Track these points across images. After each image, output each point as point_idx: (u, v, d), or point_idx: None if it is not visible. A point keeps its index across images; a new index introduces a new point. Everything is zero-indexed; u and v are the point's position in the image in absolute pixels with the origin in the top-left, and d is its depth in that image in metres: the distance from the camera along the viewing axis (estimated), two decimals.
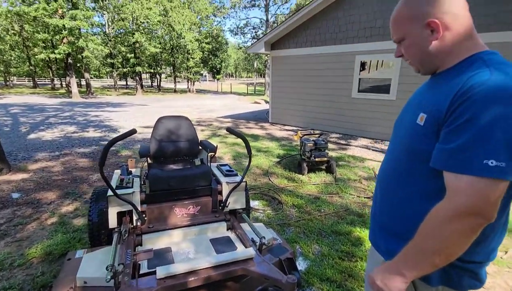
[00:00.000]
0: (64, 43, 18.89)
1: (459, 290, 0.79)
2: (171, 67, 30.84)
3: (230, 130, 2.04)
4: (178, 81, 35.26)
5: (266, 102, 18.55)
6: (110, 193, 1.76)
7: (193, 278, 1.40)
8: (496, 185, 0.61)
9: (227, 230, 2.04)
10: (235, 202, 2.15)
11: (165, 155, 2.35)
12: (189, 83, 30.20)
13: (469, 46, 0.73)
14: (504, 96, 0.60)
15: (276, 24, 31.64)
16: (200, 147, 2.51)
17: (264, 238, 1.78)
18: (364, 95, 6.80)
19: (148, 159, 2.29)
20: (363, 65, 6.75)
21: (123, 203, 1.78)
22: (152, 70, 30.44)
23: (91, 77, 28.42)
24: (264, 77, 35.01)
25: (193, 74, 29.16)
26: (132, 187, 1.88)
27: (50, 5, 17.62)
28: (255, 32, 31.55)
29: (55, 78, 33.62)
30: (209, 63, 32.33)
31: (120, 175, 2.08)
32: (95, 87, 32.15)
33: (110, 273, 1.42)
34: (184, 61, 28.63)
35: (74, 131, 7.38)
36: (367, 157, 5.42)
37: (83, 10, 18.60)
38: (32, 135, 6.74)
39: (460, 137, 0.63)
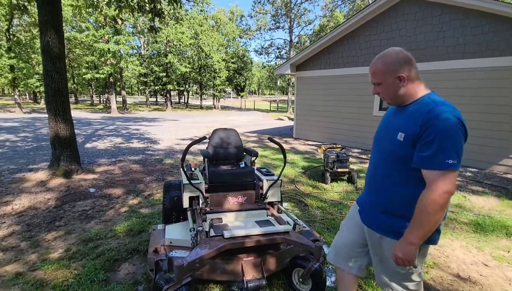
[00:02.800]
0: (107, 65, 21.09)
1: (431, 243, 1.27)
2: (198, 85, 32.74)
3: (271, 139, 2.66)
4: (204, 98, 37.20)
5: (290, 119, 19.20)
6: (185, 181, 2.42)
7: (248, 240, 1.98)
8: (454, 174, 1.11)
9: (267, 216, 2.61)
10: (273, 196, 2.73)
11: (218, 157, 3.01)
12: (215, 100, 31.81)
13: (421, 90, 1.27)
14: (450, 124, 1.11)
15: (300, 44, 32.83)
16: (244, 153, 3.15)
17: (297, 220, 2.33)
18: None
19: (205, 160, 2.95)
20: None
21: (193, 189, 2.42)
22: (181, 88, 32.50)
23: (127, 94, 30.94)
24: (287, 94, 35.92)
25: (218, 92, 30.76)
26: (198, 179, 2.54)
27: (98, 32, 19.97)
28: (279, 52, 32.90)
29: (94, 95, 36.89)
30: (234, 81, 33.94)
31: (187, 170, 2.75)
32: (129, 103, 34.74)
33: (193, 232, 2.05)
34: (210, 80, 30.38)
35: (121, 142, 8.42)
36: None
37: (125, 35, 20.82)
38: (88, 145, 7.83)
39: (430, 149, 1.10)
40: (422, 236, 1.14)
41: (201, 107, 32.73)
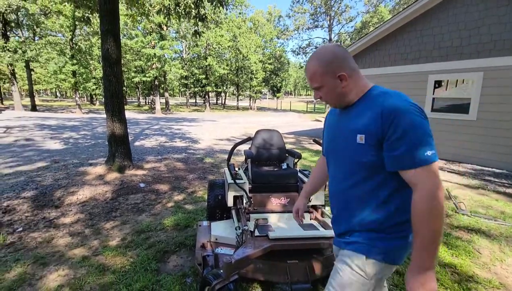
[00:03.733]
0: (152, 68, 22.65)
1: (396, 263, 1.08)
2: (235, 86, 33.53)
3: (315, 141, 2.60)
4: (241, 99, 37.94)
5: None
6: (230, 181, 2.49)
7: (293, 242, 1.95)
8: (437, 165, 0.94)
9: (310, 219, 2.56)
10: (316, 199, 2.66)
11: (261, 158, 3.04)
12: (251, 101, 32.25)
13: (364, 83, 1.11)
14: (412, 113, 0.94)
15: (340, 43, 31.69)
16: (286, 154, 3.13)
17: None
18: (439, 115, 6.61)
19: (248, 160, 2.99)
20: (437, 84, 6.63)
21: (238, 189, 2.47)
22: (218, 89, 33.58)
23: (169, 96, 32.91)
24: None
25: (255, 93, 31.14)
26: (242, 179, 2.58)
27: (146, 38, 21.54)
28: None
29: (141, 97, 39.85)
30: (270, 82, 34.07)
31: (232, 170, 2.82)
32: (171, 104, 36.83)
33: (239, 231, 2.09)
34: (247, 81, 30.89)
35: (165, 141, 8.96)
36: (442, 178, 5.26)
37: (169, 40, 22.14)
38: (137, 143, 8.47)
39: (403, 145, 0.94)
40: (435, 252, 0.93)
41: (237, 108, 33.42)
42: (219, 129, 12.51)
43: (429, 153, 0.93)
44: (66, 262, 2.36)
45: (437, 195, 0.91)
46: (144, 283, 2.09)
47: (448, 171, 5.75)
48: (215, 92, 39.88)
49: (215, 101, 46.83)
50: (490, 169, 5.83)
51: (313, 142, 2.77)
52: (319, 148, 8.30)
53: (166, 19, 5.52)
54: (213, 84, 30.36)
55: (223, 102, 38.62)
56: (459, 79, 6.28)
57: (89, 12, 5.58)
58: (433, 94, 6.68)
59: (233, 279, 1.73)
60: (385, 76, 7.62)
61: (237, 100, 35.08)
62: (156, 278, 2.16)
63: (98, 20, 4.61)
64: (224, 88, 34.22)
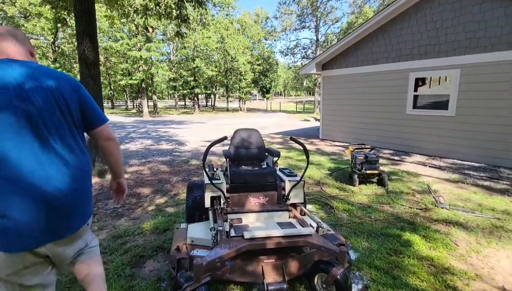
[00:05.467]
0: (139, 71, 22.31)
1: None
2: (225, 88, 33.39)
3: (293, 139, 2.59)
4: (230, 101, 37.84)
5: (316, 119, 18.80)
6: (207, 181, 2.44)
7: (268, 242, 1.93)
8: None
9: (289, 218, 2.54)
10: (295, 197, 2.65)
11: (240, 158, 3.00)
12: (240, 102, 32.19)
13: None
14: None
15: (326, 44, 32.12)
16: (266, 153, 3.11)
17: (321, 223, 2.23)
18: (420, 112, 6.76)
19: (228, 160, 2.95)
20: (418, 82, 6.77)
21: (215, 189, 2.43)
22: (208, 91, 33.35)
23: (157, 98, 32.48)
24: (313, 95, 35.28)
25: (244, 94, 31.09)
26: (220, 179, 2.54)
27: (131, 40, 21.21)
28: (304, 52, 32.48)
29: (128, 100, 39.19)
30: (260, 83, 34.10)
31: (209, 170, 2.78)
32: (159, 107, 36.37)
33: (214, 231, 2.05)
34: (236, 82, 30.82)
35: (151, 144, 8.81)
36: (423, 173, 5.38)
37: (155, 43, 21.88)
38: (121, 147, 8.29)
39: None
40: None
41: (227, 109, 33.30)
42: (207, 131, 12.41)
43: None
44: None
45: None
46: (116, 289, 2.02)
47: (429, 166, 5.87)
48: (204, 94, 39.61)
49: (204, 103, 46.57)
50: (469, 163, 5.98)
51: (290, 140, 2.77)
52: (308, 147, 8.33)
53: (144, 19, 5.42)
54: (202, 86, 30.13)
55: (212, 104, 38.43)
56: (438, 76, 6.43)
57: (65, 13, 5.44)
58: (415, 91, 6.81)
59: (204, 281, 1.69)
60: (368, 75, 7.74)
61: (227, 102, 34.94)
62: (129, 284, 2.10)
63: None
64: (213, 90, 34.04)
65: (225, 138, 2.40)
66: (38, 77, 1.18)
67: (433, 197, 4.01)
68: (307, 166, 2.57)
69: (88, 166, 1.35)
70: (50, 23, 16.76)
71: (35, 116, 1.14)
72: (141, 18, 5.53)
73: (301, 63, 34.13)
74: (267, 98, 38.02)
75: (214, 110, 34.05)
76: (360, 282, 2.16)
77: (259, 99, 53.97)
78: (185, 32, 6.88)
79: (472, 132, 5.93)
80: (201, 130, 12.80)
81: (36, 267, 1.23)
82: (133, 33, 22.00)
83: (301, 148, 7.99)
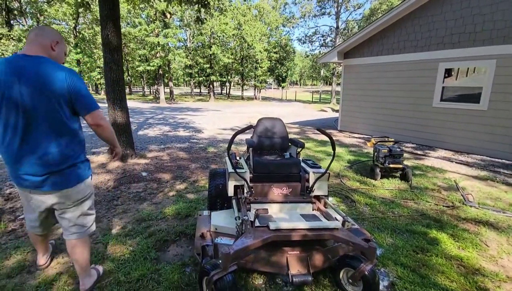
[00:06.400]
0: (156, 57, 22.45)
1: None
2: (240, 76, 33.14)
3: (320, 130, 2.51)
4: (245, 89, 37.58)
5: (333, 110, 18.39)
6: (231, 170, 2.42)
7: (294, 234, 1.89)
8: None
9: (312, 210, 2.49)
10: (319, 189, 2.59)
11: (263, 147, 2.96)
12: (256, 91, 31.91)
13: None
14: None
15: (347, 31, 30.96)
16: (289, 143, 3.05)
17: (347, 217, 2.18)
18: (448, 105, 6.41)
19: (250, 149, 2.92)
20: (447, 73, 6.39)
21: (239, 178, 2.41)
22: (223, 79, 33.23)
23: (173, 85, 32.75)
24: (330, 85, 34.40)
25: (259, 82, 30.74)
26: (243, 169, 2.52)
27: (149, 26, 21.26)
28: (323, 39, 31.45)
29: (145, 86, 39.77)
30: (276, 71, 33.54)
31: (233, 159, 2.75)
32: (175, 94, 36.69)
33: (239, 221, 2.04)
34: (252, 70, 30.47)
35: (169, 131, 8.92)
36: (449, 169, 5.15)
37: (173, 29, 21.83)
38: (140, 132, 8.46)
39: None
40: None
41: (242, 98, 33.17)
42: (223, 119, 12.42)
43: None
44: (65, 250, 2.35)
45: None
46: (143, 271, 2.07)
47: (456, 162, 5.61)
48: (219, 82, 39.48)
49: (219, 91, 46.53)
50: (499, 160, 5.66)
51: (317, 131, 2.69)
52: (324, 137, 8.18)
53: (167, 3, 5.34)
54: (217, 74, 30.03)
55: (227, 92, 38.31)
56: (470, 67, 6.04)
57: None
58: (443, 83, 6.45)
59: (231, 270, 1.69)
60: (394, 64, 7.39)
61: (242, 90, 34.74)
62: (155, 266, 2.14)
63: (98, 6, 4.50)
64: (229, 77, 33.84)
65: (251, 127, 2.36)
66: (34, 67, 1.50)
67: (461, 195, 3.84)
68: (333, 158, 2.49)
69: None
70: (72, 8, 17.01)
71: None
72: (164, 1, 5.44)
73: (319, 51, 33.18)
74: (283, 87, 37.44)
75: (229, 98, 33.99)
76: (386, 278, 2.11)
77: (274, 88, 53.28)
78: (204, 18, 6.76)
79: (505, 128, 5.58)
80: (217, 118, 12.83)
81: None
82: (151, 19, 22.01)
83: (320, 138, 7.88)
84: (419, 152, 6.43)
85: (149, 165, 4.92)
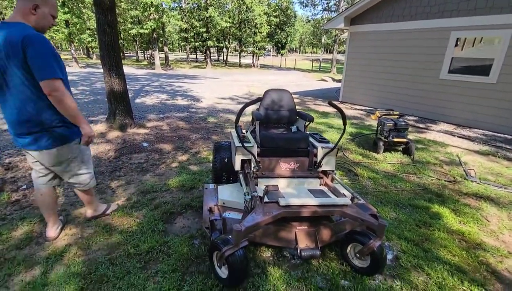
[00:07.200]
0: (150, 20, 21.11)
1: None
2: (238, 42, 31.66)
3: (331, 104, 2.39)
4: (243, 56, 36.13)
5: (334, 80, 17.93)
6: (238, 144, 2.35)
7: (304, 210, 1.88)
8: None
9: (320, 185, 2.48)
10: (327, 164, 2.55)
11: (270, 120, 2.86)
12: (254, 58, 30.72)
13: None
14: None
15: None
16: (297, 117, 2.95)
17: (356, 193, 2.16)
18: (455, 77, 6.22)
19: (257, 122, 2.82)
20: (457, 43, 6.10)
21: (246, 152, 2.35)
22: (220, 45, 31.74)
23: (168, 50, 31.31)
24: (331, 53, 33.18)
25: (258, 49, 29.48)
26: (250, 143, 2.44)
27: None
28: (326, 3, 29.65)
29: (139, 51, 37.98)
30: (275, 37, 32.04)
31: (239, 133, 2.66)
32: (171, 60, 35.25)
33: (248, 196, 2.02)
34: (250, 35, 29.05)
35: (166, 99, 8.67)
36: (450, 143, 5.15)
37: None
38: (137, 100, 8.21)
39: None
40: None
41: (240, 65, 32.06)
42: (221, 88, 12.07)
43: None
44: (72, 221, 2.35)
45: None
46: (152, 244, 2.09)
47: (458, 136, 5.60)
48: (216, 48, 37.79)
49: (216, 57, 44.74)
50: (502, 135, 5.66)
51: (318, 102, 2.57)
52: (325, 109, 8.06)
53: None
54: (214, 39, 28.59)
55: (224, 58, 36.86)
56: (484, 37, 5.74)
57: None
58: (453, 53, 6.19)
59: (242, 245, 1.69)
60: (403, 32, 7.02)
61: (240, 57, 33.44)
62: (163, 239, 2.16)
63: None
64: (226, 43, 32.32)
65: (259, 99, 2.24)
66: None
67: (463, 169, 3.87)
68: (343, 133, 2.41)
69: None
70: None
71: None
72: None
73: (322, 16, 31.46)
74: (282, 55, 36.06)
75: (227, 65, 32.82)
76: (390, 252, 2.16)
77: (272, 55, 51.34)
78: None
79: None
80: (216, 86, 12.46)
81: None
82: None
83: (321, 110, 7.73)
84: (421, 125, 6.38)
85: (149, 135, 4.82)
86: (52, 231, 2.10)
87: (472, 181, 3.54)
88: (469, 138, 5.47)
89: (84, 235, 2.18)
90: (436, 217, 2.70)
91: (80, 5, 20.52)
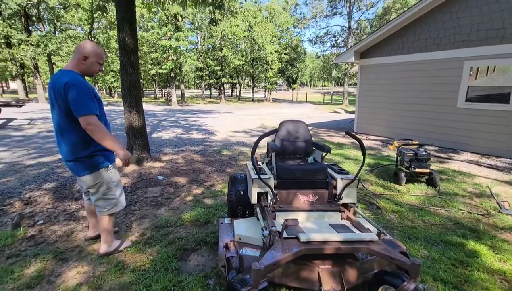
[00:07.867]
0: (168, 60, 22.68)
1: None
2: (250, 78, 33.08)
3: (349, 133, 2.35)
4: (256, 91, 37.47)
5: (346, 111, 18.04)
6: (254, 176, 2.30)
7: (327, 247, 1.74)
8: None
9: (341, 219, 2.33)
10: (347, 196, 2.43)
11: (286, 152, 2.82)
12: (266, 92, 31.77)
13: None
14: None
15: (359, 31, 30.45)
16: (313, 147, 2.90)
17: (382, 228, 2.00)
18: (473, 105, 6.10)
19: (273, 154, 2.79)
20: (471, 72, 6.08)
21: (262, 185, 2.28)
22: (233, 81, 33.26)
23: (184, 88, 33.02)
24: (342, 86, 33.88)
25: (270, 84, 30.60)
26: (267, 175, 2.39)
27: (161, 29, 21.51)
28: (335, 40, 31.02)
29: (157, 89, 40.32)
30: (286, 73, 33.32)
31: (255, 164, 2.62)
32: (186, 96, 37.00)
33: (266, 231, 1.91)
34: (262, 72, 30.37)
35: (182, 133, 8.91)
36: (477, 173, 4.86)
37: (184, 32, 22.01)
38: (154, 135, 8.47)
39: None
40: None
41: (252, 100, 33.13)
42: (235, 121, 12.35)
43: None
44: (85, 258, 2.29)
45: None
46: (165, 284, 1.96)
47: (484, 166, 5.30)
48: (230, 84, 39.57)
49: (230, 93, 46.67)
50: None
51: (332, 133, 2.54)
52: (340, 140, 7.97)
53: (182, 6, 5.30)
54: (228, 76, 30.07)
55: (238, 94, 38.35)
56: (499, 65, 5.71)
57: (105, 0, 5.48)
58: (468, 82, 6.14)
59: (262, 287, 1.55)
60: (414, 64, 7.12)
61: (252, 92, 34.68)
62: (177, 278, 2.04)
63: (115, 10, 4.49)
64: (239, 79, 33.84)
65: (275, 131, 2.23)
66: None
67: (496, 202, 3.58)
68: (363, 163, 2.33)
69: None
70: (87, 13, 17.40)
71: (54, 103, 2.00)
72: (179, 4, 5.42)
73: (331, 52, 32.75)
74: (293, 89, 37.17)
75: (240, 100, 34.00)
76: None
77: (284, 89, 53.00)
78: (218, 19, 6.70)
79: None
80: (229, 120, 12.77)
81: None
82: (163, 23, 22.26)
83: (336, 141, 7.65)
84: (442, 155, 6.13)
85: (165, 168, 4.87)
86: (91, 231, 2.56)
87: (507, 214, 3.25)
88: (497, 168, 5.16)
89: (96, 274, 2.09)
90: (473, 255, 2.44)
91: (106, 50, 22.48)
